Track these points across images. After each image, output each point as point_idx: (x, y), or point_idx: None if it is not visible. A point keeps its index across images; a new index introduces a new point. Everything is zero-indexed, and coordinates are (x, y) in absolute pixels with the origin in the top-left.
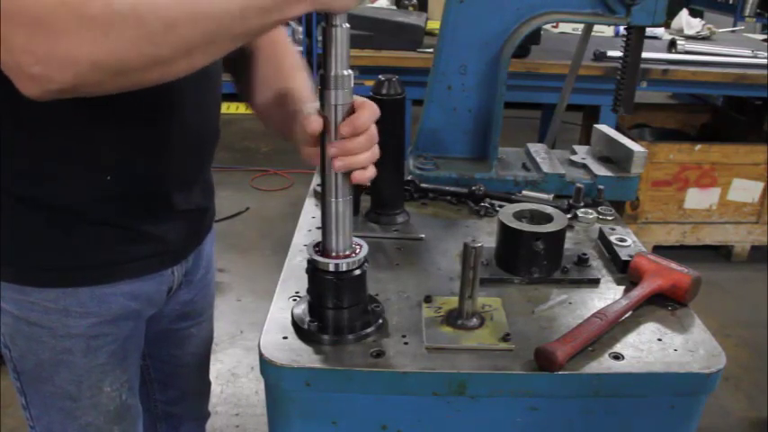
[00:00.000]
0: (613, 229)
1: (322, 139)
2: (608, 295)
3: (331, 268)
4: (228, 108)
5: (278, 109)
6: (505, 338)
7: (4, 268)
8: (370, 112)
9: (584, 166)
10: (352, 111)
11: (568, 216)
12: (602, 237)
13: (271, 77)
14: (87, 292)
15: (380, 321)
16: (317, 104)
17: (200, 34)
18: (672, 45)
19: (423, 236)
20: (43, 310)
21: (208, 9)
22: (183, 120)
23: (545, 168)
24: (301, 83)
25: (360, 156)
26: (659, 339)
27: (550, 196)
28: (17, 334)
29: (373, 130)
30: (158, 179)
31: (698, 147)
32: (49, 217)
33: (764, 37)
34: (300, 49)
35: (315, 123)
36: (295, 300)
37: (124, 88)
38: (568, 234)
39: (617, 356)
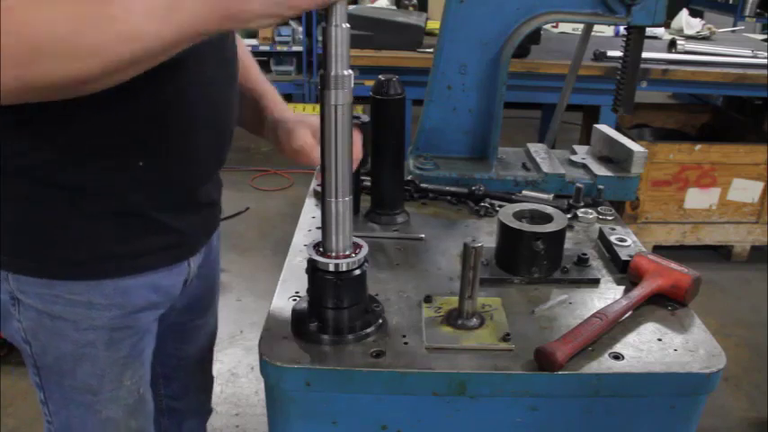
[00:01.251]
0: (613, 229)
1: (322, 139)
2: (608, 295)
3: (331, 268)
4: None
5: (248, 110)
6: (505, 338)
7: (28, 263)
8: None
9: (584, 166)
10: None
11: (568, 216)
12: (602, 237)
13: (240, 82)
14: (111, 284)
15: (380, 321)
16: (291, 115)
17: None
18: (672, 45)
19: (422, 236)
20: (68, 303)
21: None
22: (212, 112)
23: (545, 168)
24: (270, 89)
25: None
26: (659, 339)
27: (550, 196)
28: (39, 328)
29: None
30: (185, 170)
31: (698, 147)
32: (77, 206)
33: (764, 37)
34: (300, 49)
35: (300, 140)
36: (295, 300)
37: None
38: (568, 234)
39: (617, 356)
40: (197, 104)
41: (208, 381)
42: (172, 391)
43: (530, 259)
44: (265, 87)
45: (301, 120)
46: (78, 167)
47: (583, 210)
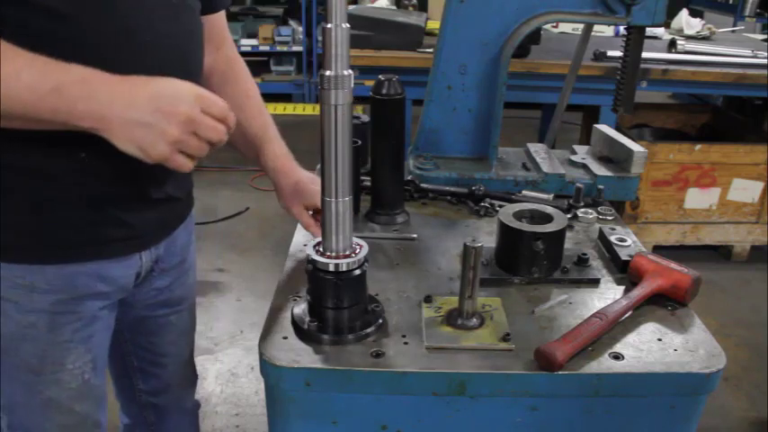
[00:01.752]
0: (613, 229)
1: (322, 139)
2: (608, 295)
3: (331, 268)
4: None
5: (241, 137)
6: (505, 338)
7: None
8: None
9: (584, 166)
10: None
11: (568, 216)
12: (602, 237)
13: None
14: (53, 269)
15: (380, 321)
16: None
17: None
18: (672, 45)
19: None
20: (10, 285)
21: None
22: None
23: (545, 168)
24: (273, 135)
25: None
26: (659, 339)
27: (550, 196)
28: None
29: None
30: (129, 164)
31: (698, 147)
32: (22, 191)
33: (764, 37)
34: (300, 49)
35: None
36: (295, 300)
37: None
38: (568, 234)
39: (617, 356)
40: None
41: (188, 379)
42: (151, 387)
43: (530, 259)
44: (269, 135)
45: (302, 190)
46: (24, 152)
47: (583, 210)
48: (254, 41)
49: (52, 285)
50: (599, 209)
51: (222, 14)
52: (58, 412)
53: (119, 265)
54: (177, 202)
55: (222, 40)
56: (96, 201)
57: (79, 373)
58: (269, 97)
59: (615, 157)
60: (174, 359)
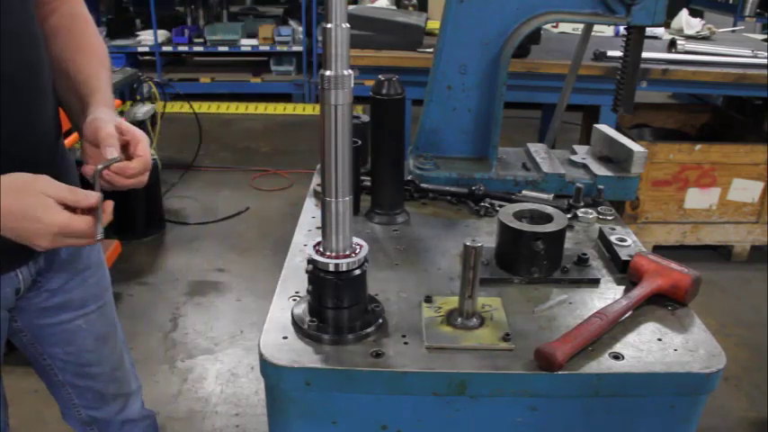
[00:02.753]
0: (613, 229)
1: (322, 140)
2: (608, 295)
3: (331, 268)
4: (228, 108)
5: (68, 93)
6: (505, 338)
7: None
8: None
9: (584, 166)
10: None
11: (568, 216)
12: (602, 237)
13: (67, 62)
14: None
15: (380, 321)
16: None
17: None
18: (672, 45)
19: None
20: None
21: None
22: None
23: (545, 168)
24: (102, 87)
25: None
26: (659, 339)
27: (550, 196)
28: None
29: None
30: None
31: (698, 147)
32: None
33: (764, 37)
34: (300, 49)
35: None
36: (295, 300)
37: None
38: (568, 234)
39: (617, 356)
40: None
41: (125, 385)
42: (86, 401)
43: (530, 259)
44: (95, 84)
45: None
46: None
47: (583, 210)
48: (254, 41)
49: None
50: (599, 209)
51: None
52: None
53: None
54: None
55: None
56: None
57: None
58: (269, 97)
59: (615, 157)
60: (101, 368)
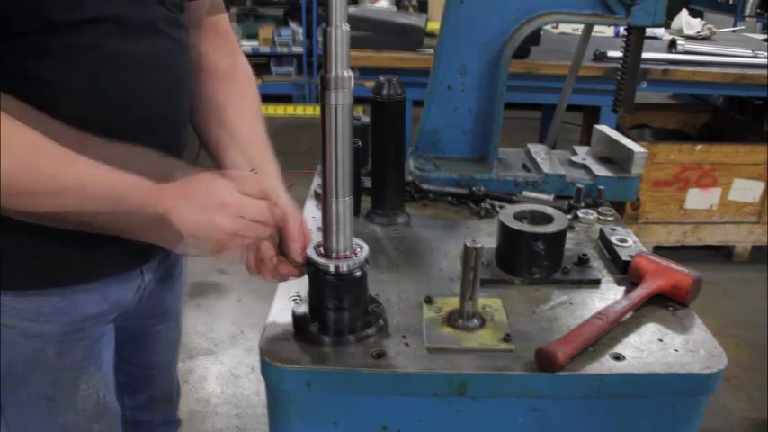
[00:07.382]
0: (614, 230)
1: (322, 140)
2: (608, 296)
3: (332, 269)
4: None
5: (215, 146)
6: (506, 339)
7: None
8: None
9: (585, 167)
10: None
11: (569, 217)
12: (603, 237)
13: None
14: (58, 293)
15: (381, 322)
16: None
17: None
18: (672, 45)
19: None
20: (14, 312)
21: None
22: (142, 131)
23: (545, 169)
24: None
25: None
26: (660, 340)
27: (551, 197)
28: None
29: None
30: None
31: (698, 147)
32: (22, 224)
33: (764, 37)
34: (301, 50)
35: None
36: (295, 300)
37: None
38: (569, 235)
39: (618, 357)
40: (136, 122)
41: (173, 391)
42: (137, 402)
43: (530, 260)
44: (267, 157)
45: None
46: None
47: (583, 210)
48: (254, 43)
49: (57, 309)
50: (599, 209)
51: (224, 18)
52: None
53: (121, 282)
54: None
55: (232, 48)
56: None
57: (93, 392)
58: (269, 98)
59: (615, 158)
60: (161, 372)
